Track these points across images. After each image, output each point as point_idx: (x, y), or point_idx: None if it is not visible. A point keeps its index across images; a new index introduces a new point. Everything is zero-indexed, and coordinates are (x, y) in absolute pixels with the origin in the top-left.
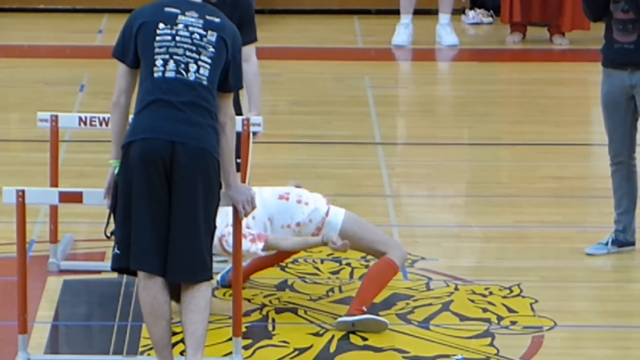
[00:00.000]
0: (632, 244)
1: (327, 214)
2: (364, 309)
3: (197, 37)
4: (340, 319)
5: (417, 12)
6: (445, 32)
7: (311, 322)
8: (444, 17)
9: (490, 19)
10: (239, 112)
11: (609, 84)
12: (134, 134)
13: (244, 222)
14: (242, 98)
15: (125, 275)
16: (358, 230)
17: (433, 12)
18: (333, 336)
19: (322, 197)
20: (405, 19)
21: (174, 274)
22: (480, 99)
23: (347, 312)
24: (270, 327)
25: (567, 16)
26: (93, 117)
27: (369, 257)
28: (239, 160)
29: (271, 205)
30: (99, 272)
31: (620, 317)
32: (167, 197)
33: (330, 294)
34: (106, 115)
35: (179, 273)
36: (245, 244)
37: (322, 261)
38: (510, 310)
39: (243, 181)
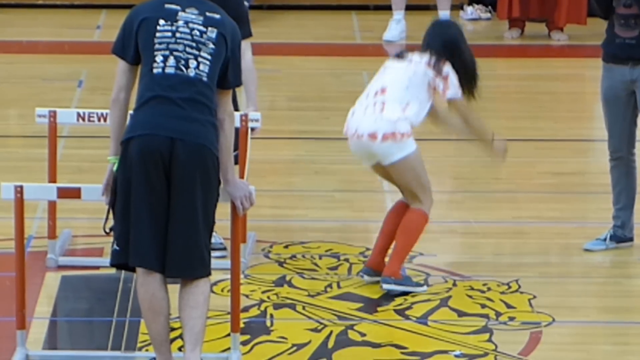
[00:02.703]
0: (631, 239)
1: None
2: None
3: (197, 33)
4: (385, 284)
5: (415, 8)
6: None
7: (309, 317)
8: (443, 14)
9: (489, 15)
10: (235, 108)
11: (610, 79)
12: (133, 130)
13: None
14: (239, 94)
15: (123, 271)
16: (409, 177)
17: (432, 8)
18: (331, 332)
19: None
20: (398, 14)
21: (173, 270)
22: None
23: (387, 271)
24: (268, 323)
25: (562, 10)
26: (91, 113)
27: (367, 252)
28: (235, 152)
29: None
30: (98, 268)
31: (619, 313)
32: (166, 194)
33: (328, 289)
34: (104, 111)
35: (177, 269)
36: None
37: (320, 257)
38: (508, 306)
39: (241, 177)
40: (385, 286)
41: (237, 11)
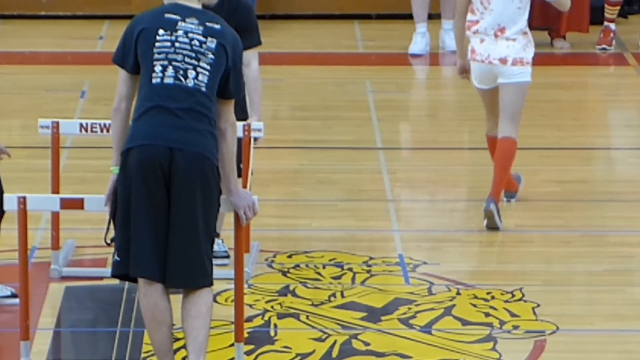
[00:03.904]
0: None
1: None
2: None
3: (197, 43)
4: (489, 204)
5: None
6: (449, 38)
7: (313, 327)
8: (447, 23)
9: None
10: (244, 117)
11: None
12: (132, 140)
13: None
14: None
15: (127, 282)
16: (518, 100)
17: (434, 17)
18: (335, 341)
19: None
20: (421, 27)
21: (174, 280)
22: (481, 103)
23: (491, 195)
24: (272, 333)
25: (565, 18)
26: (94, 124)
27: (371, 261)
28: (240, 165)
29: None
30: (101, 278)
31: (623, 321)
32: (166, 204)
33: (332, 299)
34: (107, 122)
35: (178, 279)
36: None
37: (323, 266)
38: (512, 314)
39: (244, 187)
40: (492, 206)
41: (248, 19)
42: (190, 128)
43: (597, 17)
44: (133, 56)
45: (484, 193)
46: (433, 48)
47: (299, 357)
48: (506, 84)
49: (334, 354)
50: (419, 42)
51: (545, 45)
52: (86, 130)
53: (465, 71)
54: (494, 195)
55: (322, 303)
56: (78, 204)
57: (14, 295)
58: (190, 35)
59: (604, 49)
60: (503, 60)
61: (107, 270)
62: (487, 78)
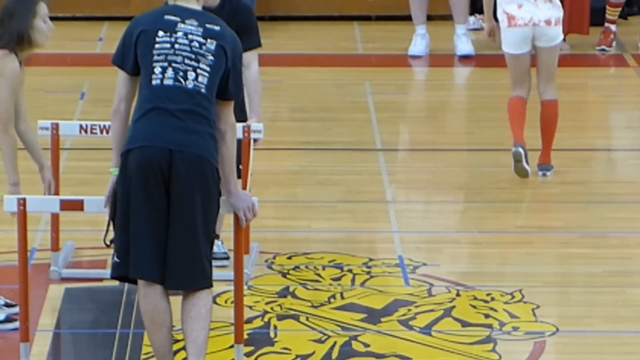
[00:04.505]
0: None
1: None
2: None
3: (197, 45)
4: (545, 173)
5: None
6: (461, 43)
7: (313, 328)
8: (460, 28)
9: None
10: (244, 118)
11: None
12: (132, 142)
13: None
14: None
15: (126, 283)
16: (556, 59)
17: (434, 19)
18: (335, 342)
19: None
20: (421, 29)
21: (173, 281)
22: (481, 104)
23: (541, 161)
24: (272, 334)
25: (565, 20)
26: (94, 125)
27: (370, 263)
28: (240, 167)
29: None
30: (101, 280)
31: (622, 323)
32: (165, 205)
33: (332, 300)
34: (107, 123)
35: (177, 280)
36: None
37: (323, 268)
38: (512, 315)
39: (244, 188)
40: (548, 173)
41: (248, 21)
42: (189, 130)
43: (597, 19)
44: (133, 58)
45: (484, 194)
46: (432, 50)
47: (298, 359)
48: (547, 47)
49: (334, 355)
50: (418, 44)
51: None
52: (86, 132)
53: (493, 34)
54: (546, 161)
55: (321, 304)
56: (78, 206)
57: (7, 305)
58: (189, 36)
59: (604, 49)
60: (548, 22)
61: (107, 271)
62: (525, 42)
